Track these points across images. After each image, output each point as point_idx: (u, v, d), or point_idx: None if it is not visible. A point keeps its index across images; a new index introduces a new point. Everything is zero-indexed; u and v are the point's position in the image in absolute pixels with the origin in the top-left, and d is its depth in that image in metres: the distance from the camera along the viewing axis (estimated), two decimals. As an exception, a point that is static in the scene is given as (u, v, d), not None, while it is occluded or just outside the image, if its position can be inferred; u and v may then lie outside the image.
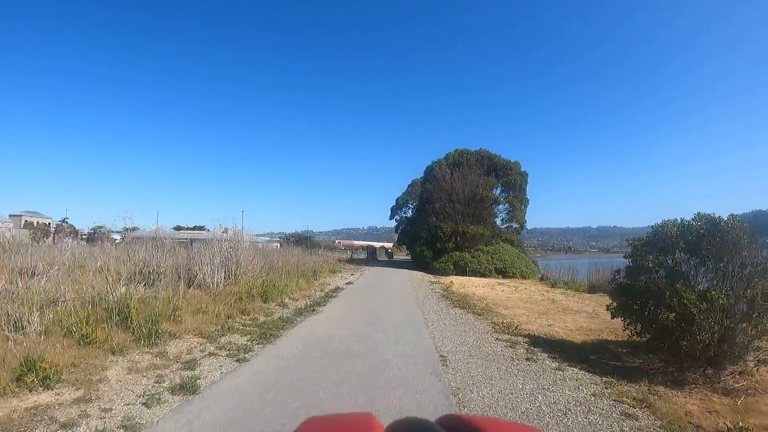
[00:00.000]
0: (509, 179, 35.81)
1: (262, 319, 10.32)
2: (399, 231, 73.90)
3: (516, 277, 29.58)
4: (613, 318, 8.22)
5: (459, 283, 22.53)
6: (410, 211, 72.59)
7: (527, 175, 36.95)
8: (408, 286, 19.48)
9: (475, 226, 32.57)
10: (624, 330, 7.81)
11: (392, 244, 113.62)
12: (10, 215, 68.60)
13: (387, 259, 72.45)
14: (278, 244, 76.99)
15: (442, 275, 29.68)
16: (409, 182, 74.51)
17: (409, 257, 79.48)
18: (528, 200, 36.86)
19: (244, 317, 10.34)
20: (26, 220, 66.87)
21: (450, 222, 33.07)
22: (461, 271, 30.00)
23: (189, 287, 13.05)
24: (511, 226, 36.93)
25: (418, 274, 29.18)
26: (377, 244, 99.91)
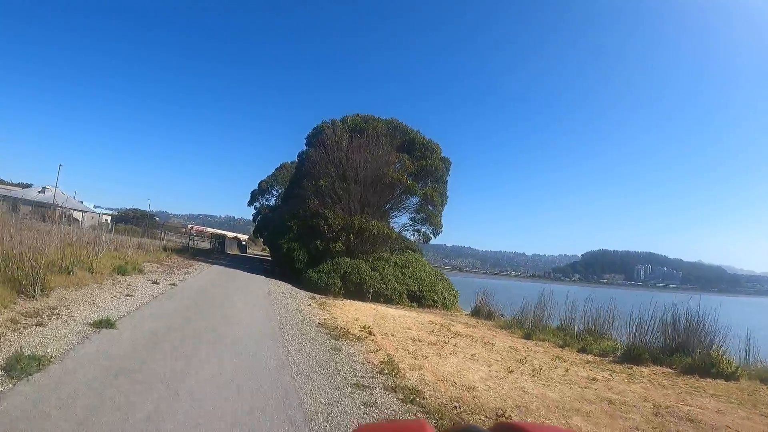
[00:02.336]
0: (428, 164, 25.44)
1: None
2: (258, 220, 59.20)
3: (436, 307, 19.24)
4: None
5: (376, 323, 10.93)
6: (274, 199, 58.75)
7: (450, 162, 27.11)
8: (268, 350, 7.32)
9: (378, 222, 21.44)
10: None
11: (248, 236, 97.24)
12: None
13: (239, 253, 57.57)
14: (108, 219, 56.50)
15: (324, 294, 17.89)
16: (278, 165, 60.95)
17: (267, 254, 65.36)
18: (448, 198, 27.03)
19: None
20: None
21: (340, 211, 21.38)
22: (355, 290, 18.51)
23: None
24: (421, 230, 26.63)
25: (286, 292, 16.83)
26: (231, 234, 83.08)
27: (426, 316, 15.09)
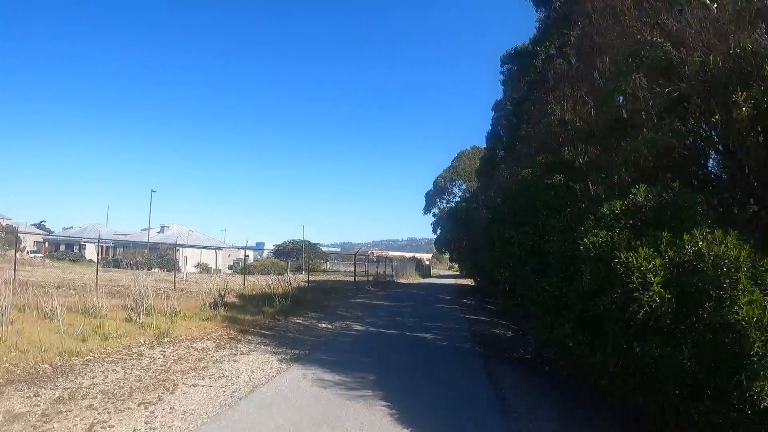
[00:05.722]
0: None
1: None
2: (439, 230, 45.20)
3: None
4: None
5: None
6: (457, 199, 44.07)
7: None
8: None
9: None
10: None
11: (432, 254, 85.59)
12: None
13: (418, 279, 44.35)
14: (249, 255, 51.10)
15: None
16: (454, 155, 46.36)
17: (456, 272, 51.32)
18: None
19: None
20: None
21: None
22: None
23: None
24: None
25: None
26: (409, 255, 72.01)
27: None
